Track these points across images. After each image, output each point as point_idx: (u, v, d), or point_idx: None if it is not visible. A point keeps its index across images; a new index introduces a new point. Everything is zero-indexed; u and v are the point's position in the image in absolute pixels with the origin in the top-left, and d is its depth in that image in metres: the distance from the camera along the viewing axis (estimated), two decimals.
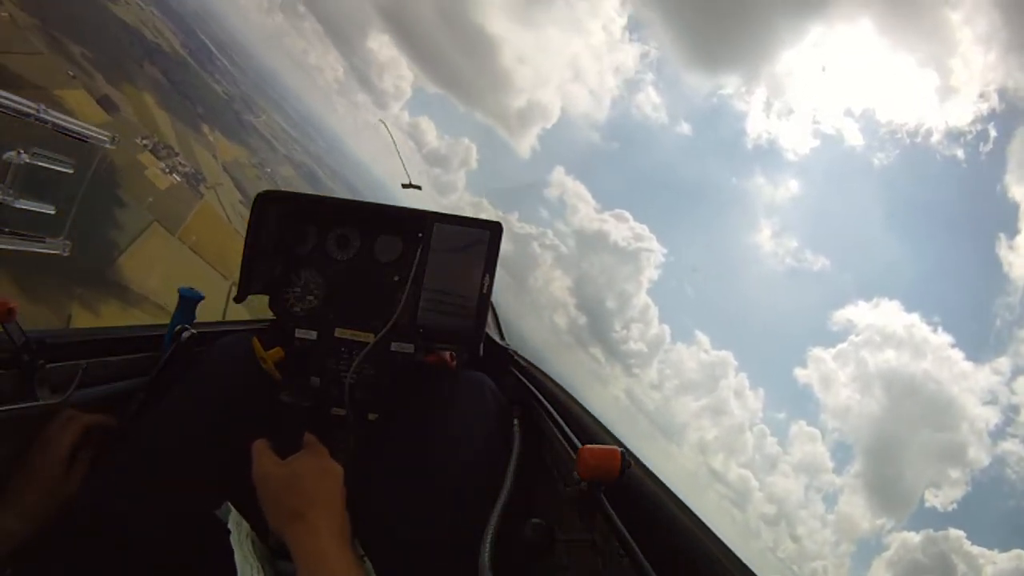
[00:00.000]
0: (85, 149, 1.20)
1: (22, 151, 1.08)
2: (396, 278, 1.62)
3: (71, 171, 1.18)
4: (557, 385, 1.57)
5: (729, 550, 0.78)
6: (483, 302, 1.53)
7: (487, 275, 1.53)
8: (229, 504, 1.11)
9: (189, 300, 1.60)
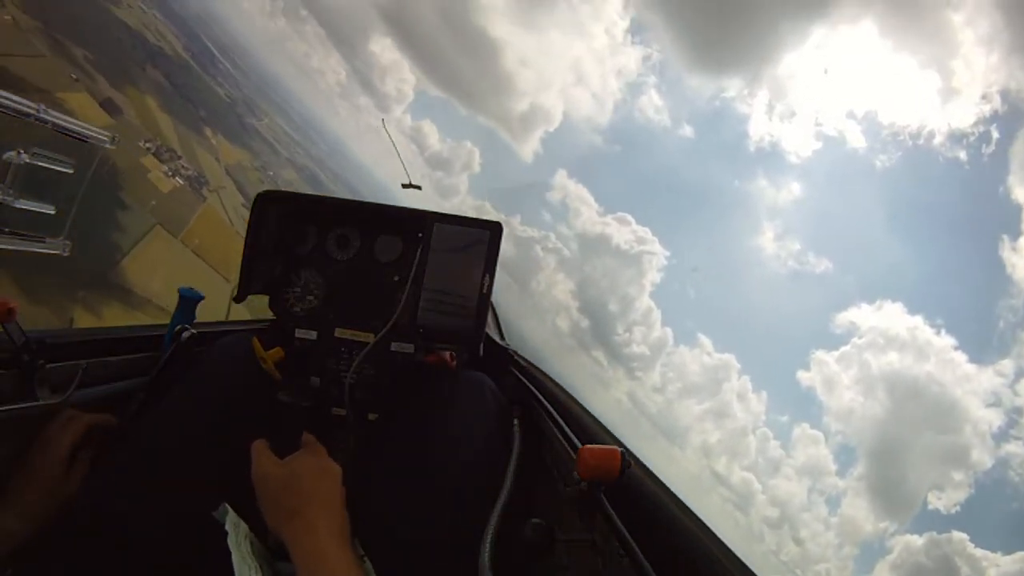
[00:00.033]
0: (85, 149, 1.21)
1: (22, 151, 1.08)
2: (396, 278, 1.62)
3: (71, 171, 1.18)
4: (557, 385, 1.57)
5: (729, 550, 0.78)
6: (483, 302, 1.53)
7: (487, 275, 1.53)
8: (226, 505, 1.11)
9: (189, 300, 1.60)
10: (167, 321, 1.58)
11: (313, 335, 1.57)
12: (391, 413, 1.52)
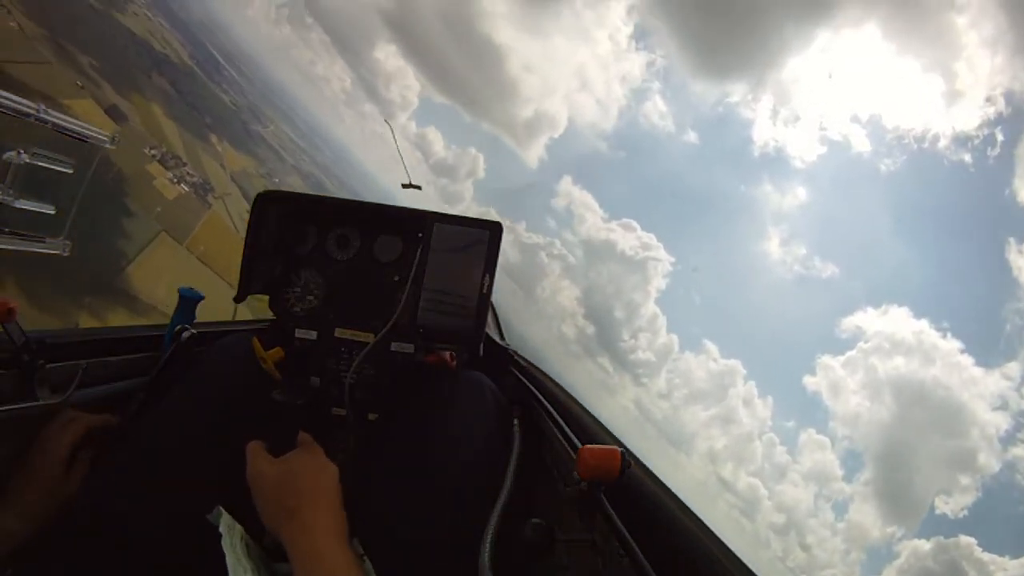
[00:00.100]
0: (85, 149, 1.21)
1: (22, 151, 1.09)
2: (396, 278, 1.62)
3: (71, 171, 1.19)
4: (557, 385, 1.57)
5: (729, 550, 0.77)
6: (483, 302, 1.53)
7: (487, 275, 1.53)
8: (220, 508, 1.09)
9: (189, 300, 1.60)
10: None
11: (313, 335, 1.57)
12: (391, 413, 1.51)
